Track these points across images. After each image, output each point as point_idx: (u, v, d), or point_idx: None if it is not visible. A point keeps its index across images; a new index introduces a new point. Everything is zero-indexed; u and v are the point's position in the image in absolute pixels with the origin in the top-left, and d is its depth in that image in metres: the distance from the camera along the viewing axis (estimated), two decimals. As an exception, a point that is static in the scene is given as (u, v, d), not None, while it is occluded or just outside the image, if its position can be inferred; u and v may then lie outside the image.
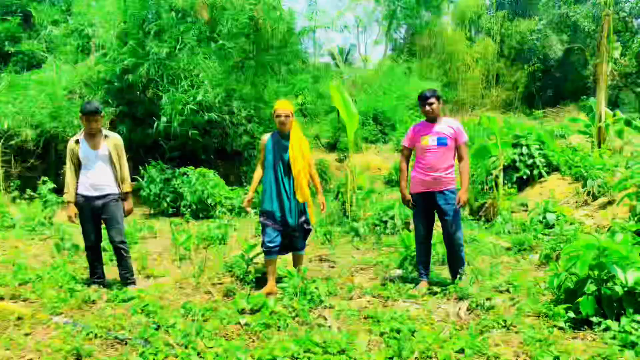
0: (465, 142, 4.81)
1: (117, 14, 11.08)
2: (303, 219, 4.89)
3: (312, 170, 5.00)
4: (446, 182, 4.74)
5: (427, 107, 4.77)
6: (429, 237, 5.01)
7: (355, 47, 46.62)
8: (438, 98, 4.80)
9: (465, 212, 8.77)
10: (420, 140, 4.80)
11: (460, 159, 4.84)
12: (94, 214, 4.82)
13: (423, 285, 4.85)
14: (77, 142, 4.83)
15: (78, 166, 4.84)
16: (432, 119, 4.84)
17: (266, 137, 4.90)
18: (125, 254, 4.97)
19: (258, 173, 4.97)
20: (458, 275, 4.79)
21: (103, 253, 5.28)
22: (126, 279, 4.99)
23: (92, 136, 4.83)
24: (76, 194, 4.81)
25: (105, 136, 4.89)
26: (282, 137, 4.85)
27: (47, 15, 13.69)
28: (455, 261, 4.87)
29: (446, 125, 4.83)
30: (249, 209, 5.15)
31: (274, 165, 4.80)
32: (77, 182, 4.82)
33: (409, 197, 4.91)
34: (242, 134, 12.66)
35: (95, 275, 5.00)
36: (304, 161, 4.83)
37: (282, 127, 4.80)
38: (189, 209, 10.08)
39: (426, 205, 4.81)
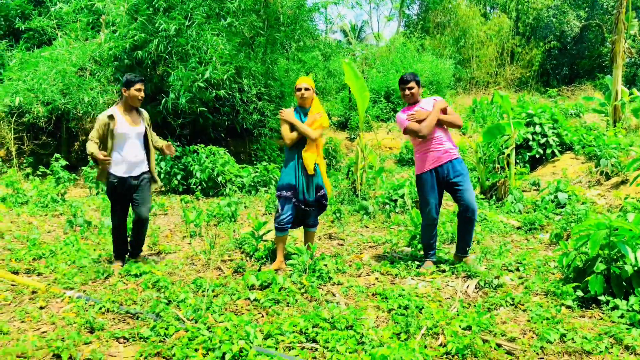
0: (448, 106, 4.82)
1: (127, -11, 10.99)
2: (321, 193, 4.90)
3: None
4: (454, 152, 4.75)
5: (407, 92, 4.76)
6: (438, 217, 4.98)
7: (367, 24, 46.12)
8: (418, 82, 4.78)
9: (476, 191, 8.72)
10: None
11: (452, 120, 4.78)
12: (126, 194, 4.71)
13: (429, 264, 4.86)
14: (111, 117, 4.53)
15: (110, 143, 4.54)
16: (412, 103, 4.84)
17: (290, 110, 4.80)
18: (145, 230, 4.96)
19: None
20: (468, 250, 4.76)
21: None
22: (135, 253, 5.03)
23: (130, 112, 4.67)
24: (109, 174, 4.60)
25: (139, 112, 4.79)
26: (303, 113, 4.83)
27: (57, -9, 13.63)
28: (469, 234, 4.77)
29: (429, 100, 4.83)
30: None
31: (296, 141, 4.76)
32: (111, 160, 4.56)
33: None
34: (252, 111, 12.62)
35: (120, 256, 4.93)
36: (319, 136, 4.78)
37: (303, 101, 4.79)
38: (199, 187, 10.16)
39: (439, 181, 4.75)
